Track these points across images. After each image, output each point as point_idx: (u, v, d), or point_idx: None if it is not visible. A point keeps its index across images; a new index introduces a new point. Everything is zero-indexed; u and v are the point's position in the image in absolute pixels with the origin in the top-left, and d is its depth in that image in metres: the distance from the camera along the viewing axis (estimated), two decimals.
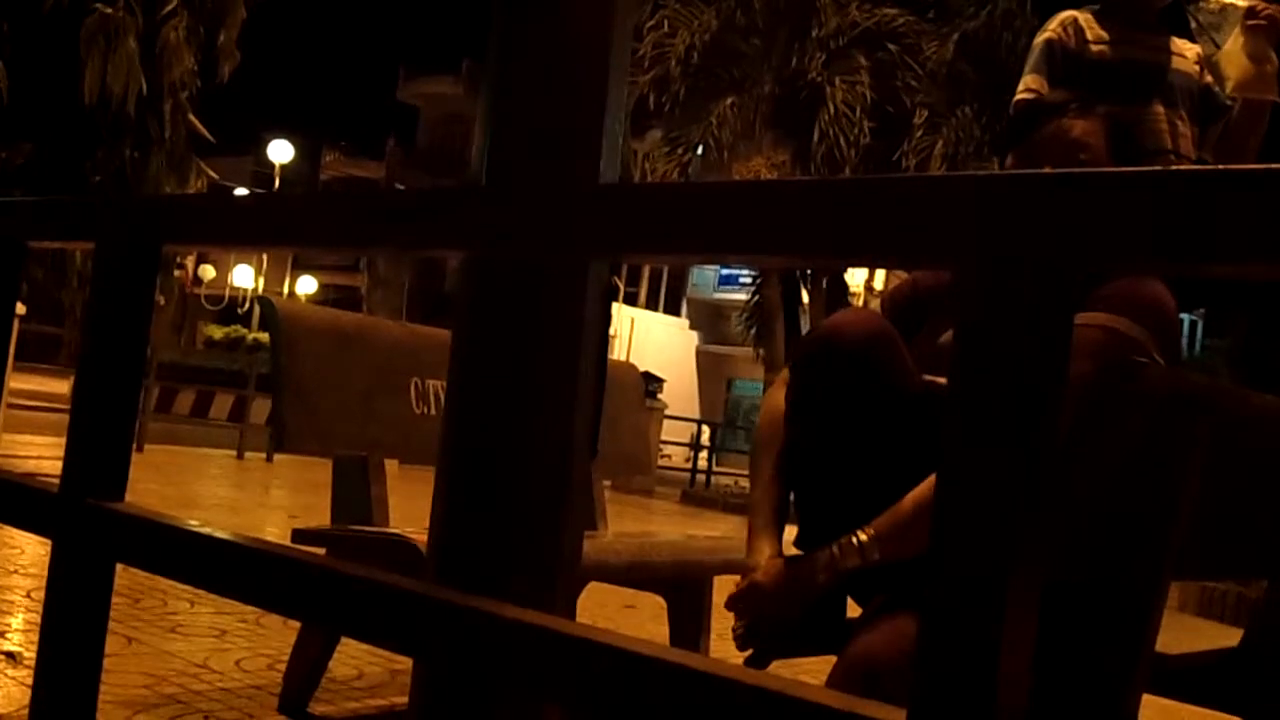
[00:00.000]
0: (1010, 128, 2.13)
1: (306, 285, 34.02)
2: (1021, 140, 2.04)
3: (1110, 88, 2.87)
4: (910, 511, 1.75)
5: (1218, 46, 2.98)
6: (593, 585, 2.96)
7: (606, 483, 4.73)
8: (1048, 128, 1.99)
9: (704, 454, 17.35)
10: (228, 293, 27.68)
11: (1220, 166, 0.59)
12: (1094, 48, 3.03)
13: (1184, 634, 4.81)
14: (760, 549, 1.92)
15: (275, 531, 5.65)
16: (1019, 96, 2.96)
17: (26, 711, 1.38)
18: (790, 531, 1.97)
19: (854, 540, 1.77)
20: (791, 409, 1.90)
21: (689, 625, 3.26)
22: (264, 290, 28.55)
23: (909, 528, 1.73)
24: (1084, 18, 3.08)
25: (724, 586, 3.33)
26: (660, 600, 3.34)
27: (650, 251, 1.03)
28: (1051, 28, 3.07)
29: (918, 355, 1.90)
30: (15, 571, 4.06)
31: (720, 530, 8.37)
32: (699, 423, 18.74)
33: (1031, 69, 3.04)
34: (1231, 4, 2.97)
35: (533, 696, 1.24)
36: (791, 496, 1.98)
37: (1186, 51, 3.11)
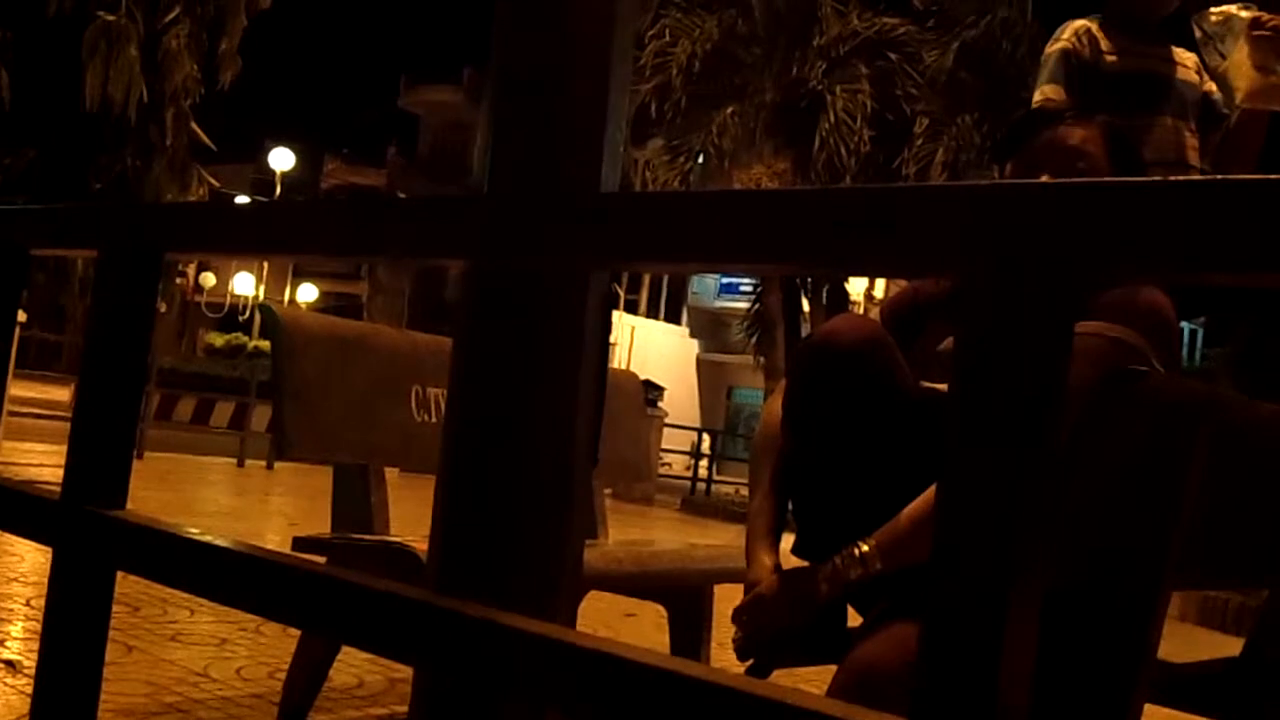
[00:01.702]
0: (1008, 136, 2.13)
1: (307, 293, 34.03)
2: (1019, 148, 2.03)
3: (1124, 99, 2.88)
4: (911, 521, 1.74)
5: (1223, 57, 2.98)
6: (593, 594, 2.96)
7: (607, 491, 4.72)
8: (1045, 135, 1.98)
9: (704, 462, 17.34)
10: (229, 300, 27.72)
11: (1221, 176, 0.60)
12: (1108, 58, 3.01)
13: (1185, 643, 4.81)
14: (760, 560, 1.92)
15: (276, 539, 5.65)
16: (1037, 105, 2.94)
17: None
18: (787, 539, 1.96)
19: (855, 551, 1.76)
20: (787, 414, 1.90)
21: (689, 634, 3.25)
22: (265, 297, 28.57)
23: (911, 537, 1.73)
24: (1096, 27, 3.06)
25: (724, 595, 3.33)
26: (661, 609, 3.34)
27: (651, 260, 1.03)
28: (1065, 37, 3.05)
29: (917, 363, 1.90)
30: (15, 579, 4.06)
31: (721, 539, 8.36)
32: (699, 431, 18.73)
33: (1048, 79, 3.01)
34: (1235, 15, 2.97)
35: (533, 705, 1.24)
36: (789, 503, 1.98)
37: (1187, 61, 3.11)
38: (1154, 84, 3.03)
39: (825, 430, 1.84)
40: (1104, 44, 3.03)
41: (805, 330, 16.06)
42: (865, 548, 1.76)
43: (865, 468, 1.83)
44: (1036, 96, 2.99)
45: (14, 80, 19.02)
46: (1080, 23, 3.09)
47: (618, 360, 23.96)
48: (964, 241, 0.69)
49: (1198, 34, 3.01)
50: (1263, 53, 2.92)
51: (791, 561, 1.93)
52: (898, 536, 1.74)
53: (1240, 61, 2.92)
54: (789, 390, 1.89)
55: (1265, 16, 2.92)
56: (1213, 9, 3.00)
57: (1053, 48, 3.06)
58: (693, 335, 32.58)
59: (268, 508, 8.12)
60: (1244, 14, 2.95)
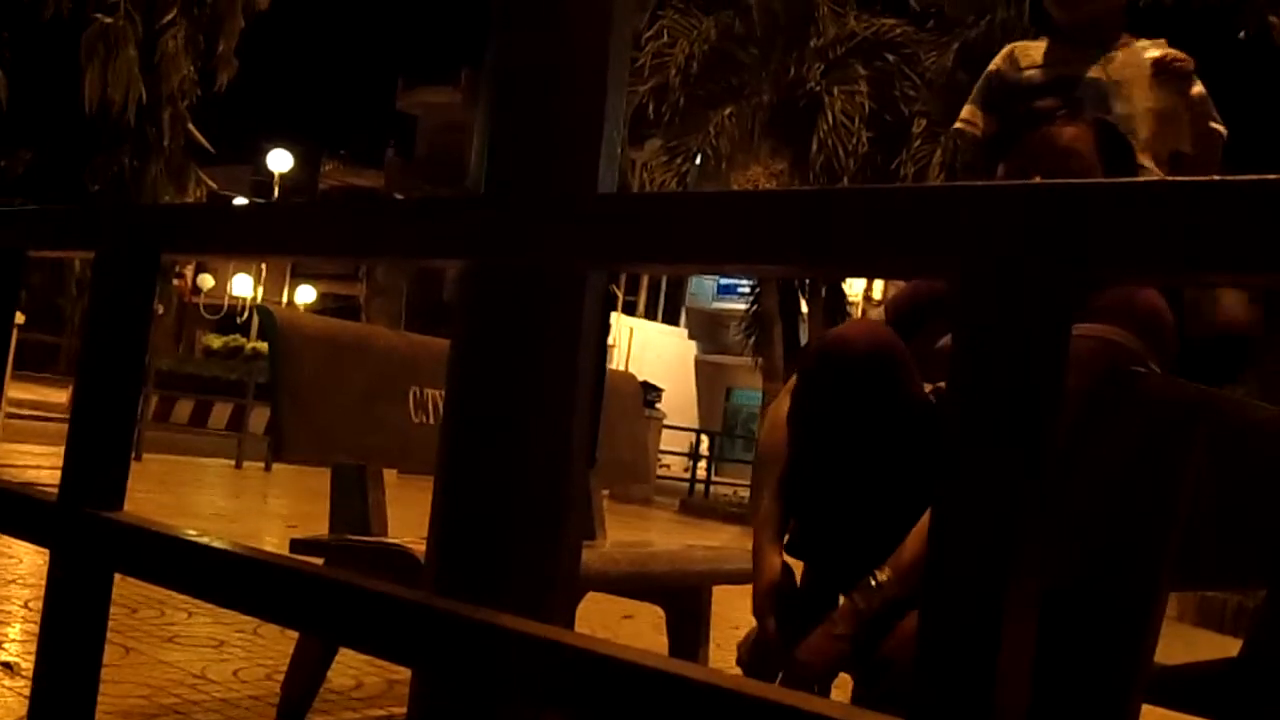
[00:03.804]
0: (998, 138, 2.14)
1: (305, 294, 34.00)
2: (1010, 150, 2.02)
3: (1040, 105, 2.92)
4: (923, 540, 1.72)
5: (1129, 102, 2.97)
6: (591, 595, 2.96)
7: (605, 492, 4.72)
8: (1035, 136, 1.98)
9: (703, 463, 17.34)
10: (226, 301, 27.68)
11: (1220, 178, 0.60)
12: (1027, 72, 3.13)
13: (1182, 643, 4.81)
14: (770, 561, 1.92)
15: (273, 541, 5.64)
16: (955, 126, 3.12)
17: None
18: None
19: (872, 582, 1.74)
20: (795, 419, 1.89)
21: (688, 635, 3.25)
22: (263, 299, 28.55)
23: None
24: (1023, 46, 3.20)
25: (723, 596, 3.33)
26: (659, 610, 3.34)
27: (649, 261, 1.03)
28: (995, 60, 3.20)
29: (919, 359, 1.89)
30: (13, 581, 4.06)
31: (719, 540, 8.35)
32: (698, 432, 18.73)
33: (969, 100, 3.17)
34: (1143, 58, 2.99)
35: (532, 707, 1.24)
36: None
37: (1130, 58, 3.13)
38: (1071, 86, 3.07)
39: (835, 437, 1.83)
40: (1025, 60, 3.16)
41: (803, 331, 16.06)
42: (882, 577, 1.74)
43: (872, 475, 1.82)
44: (959, 116, 3.13)
45: (11, 81, 19.00)
46: (1015, 44, 3.24)
47: (616, 361, 23.96)
48: (963, 243, 0.69)
49: (1106, 80, 3.03)
50: (1167, 94, 2.95)
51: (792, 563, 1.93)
52: (913, 559, 1.72)
53: (1142, 111, 2.91)
54: (797, 395, 1.88)
55: (1169, 56, 2.95)
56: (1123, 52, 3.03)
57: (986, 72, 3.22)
58: (691, 336, 32.57)
59: (265, 509, 8.11)
60: (1150, 54, 2.98)
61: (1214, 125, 3.04)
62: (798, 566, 1.98)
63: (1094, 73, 3.09)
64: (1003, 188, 0.70)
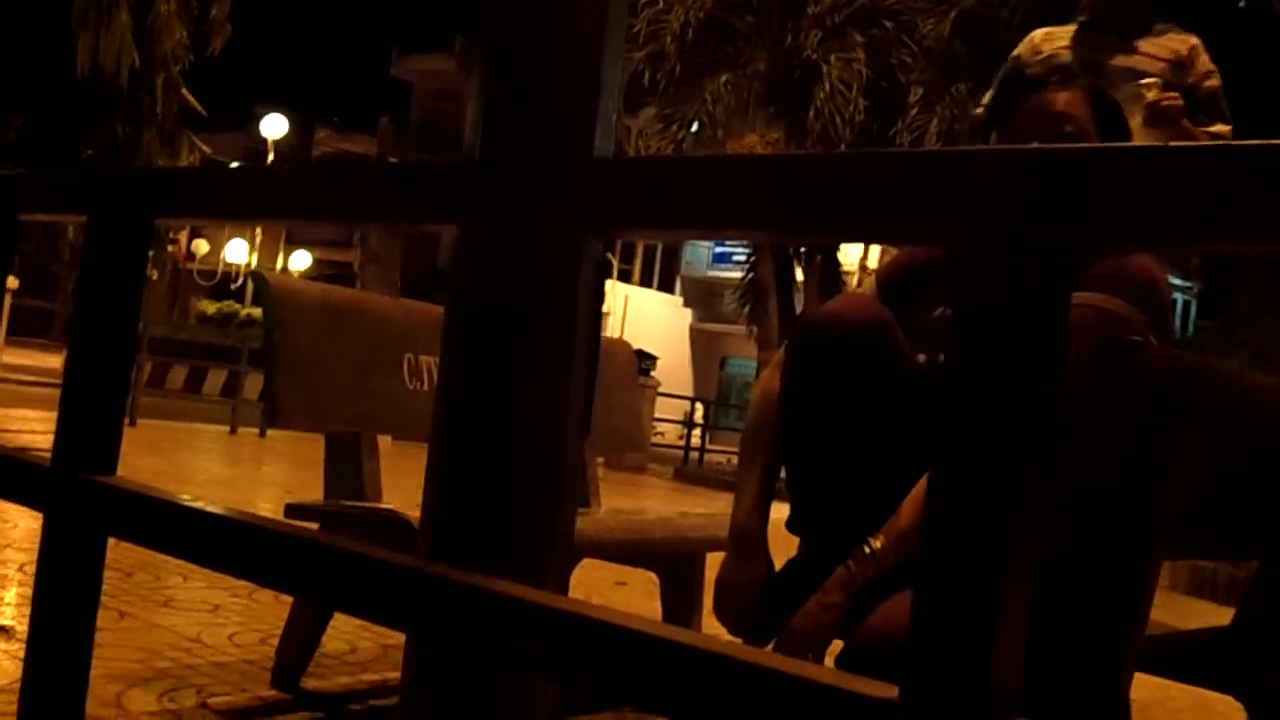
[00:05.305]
0: (993, 104, 2.13)
1: (300, 261, 33.91)
2: (1005, 116, 2.01)
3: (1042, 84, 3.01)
4: (918, 508, 1.72)
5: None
6: (585, 562, 2.97)
7: (599, 460, 4.72)
8: (1030, 101, 1.96)
9: (697, 431, 17.37)
10: (221, 268, 27.60)
11: (1227, 142, 0.59)
12: (1039, 56, 3.24)
13: (1175, 613, 4.83)
14: (757, 563, 1.92)
15: (268, 507, 5.64)
16: (975, 110, 3.18)
17: (19, 685, 1.38)
18: (779, 509, 1.96)
19: (867, 549, 1.74)
20: (786, 395, 1.88)
21: (681, 601, 3.26)
22: (257, 266, 28.50)
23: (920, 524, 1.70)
24: (1046, 33, 3.30)
25: (716, 563, 3.33)
26: (653, 577, 3.35)
27: (646, 226, 1.03)
28: (1020, 46, 3.34)
29: (912, 329, 1.89)
30: (8, 545, 4.06)
31: (713, 507, 8.34)
32: (692, 400, 18.76)
33: (991, 87, 3.33)
34: (1142, 92, 3.04)
35: (526, 671, 1.24)
36: (782, 474, 1.97)
37: (1158, 52, 3.16)
38: (1068, 67, 3.10)
39: (825, 413, 1.83)
40: (1048, 46, 3.25)
41: (798, 300, 16.05)
42: (876, 544, 1.74)
43: (866, 450, 1.82)
44: (980, 101, 3.23)
45: (3, 47, 18.88)
46: (1039, 30, 3.36)
47: (611, 329, 23.95)
48: (965, 209, 0.68)
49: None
50: (1155, 134, 3.00)
51: (782, 537, 1.94)
52: (909, 526, 1.72)
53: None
54: (788, 370, 1.88)
55: (1165, 98, 2.99)
56: (1141, 83, 3.07)
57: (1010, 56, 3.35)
58: (686, 304, 32.56)
59: (260, 475, 8.12)
60: (1149, 94, 3.03)
61: (1207, 130, 3.09)
62: (792, 543, 1.98)
63: (1118, 61, 3.13)
64: (1006, 152, 0.69)
